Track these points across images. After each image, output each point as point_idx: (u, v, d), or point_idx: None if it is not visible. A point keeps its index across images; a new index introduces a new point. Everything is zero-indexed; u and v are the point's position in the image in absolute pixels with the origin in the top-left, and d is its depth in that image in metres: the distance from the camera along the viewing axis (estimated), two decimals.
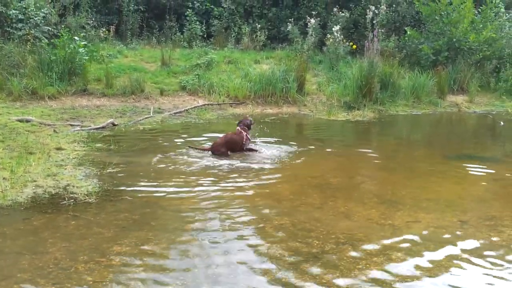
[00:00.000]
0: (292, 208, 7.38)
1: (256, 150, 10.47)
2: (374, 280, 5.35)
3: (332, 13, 21.28)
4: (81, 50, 15.69)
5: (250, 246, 6.14)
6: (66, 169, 8.84)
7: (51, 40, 16.24)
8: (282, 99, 16.16)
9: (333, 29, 19.19)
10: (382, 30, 19.95)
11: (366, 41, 16.88)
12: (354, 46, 19.40)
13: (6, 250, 5.89)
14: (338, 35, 19.02)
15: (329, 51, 19.19)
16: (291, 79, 16.30)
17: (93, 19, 20.03)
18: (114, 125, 12.65)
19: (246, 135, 10.38)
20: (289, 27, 20.22)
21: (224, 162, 9.67)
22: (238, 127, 10.49)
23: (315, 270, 5.50)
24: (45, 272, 5.36)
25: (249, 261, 5.72)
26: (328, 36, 19.43)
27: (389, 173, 9.73)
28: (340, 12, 20.96)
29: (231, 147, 10.25)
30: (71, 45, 15.45)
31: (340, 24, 19.92)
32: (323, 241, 6.25)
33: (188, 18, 21.12)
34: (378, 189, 8.62)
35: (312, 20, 19.67)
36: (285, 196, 7.95)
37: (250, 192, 8.04)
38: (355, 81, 16.29)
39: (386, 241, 6.29)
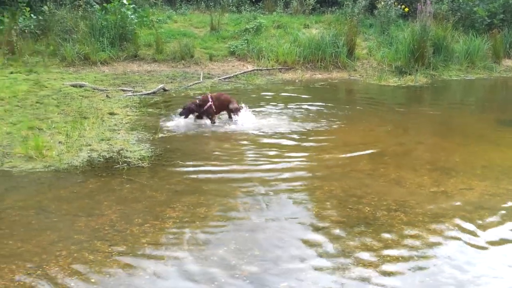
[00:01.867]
0: (342, 175, 7.36)
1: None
2: (427, 247, 5.32)
3: None
4: (130, 15, 15.81)
5: (300, 212, 6.18)
6: (119, 133, 9.02)
7: (102, 5, 16.39)
8: (331, 64, 15.96)
9: None
10: None
11: (418, 4, 16.41)
12: (406, 9, 18.92)
13: (63, 212, 6.09)
14: None
15: (380, 15, 18.75)
16: (340, 44, 16.05)
17: None
18: (165, 90, 12.77)
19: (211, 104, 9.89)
20: None
21: (275, 126, 9.66)
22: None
23: (366, 237, 5.49)
24: (101, 234, 5.53)
25: (299, 228, 5.76)
26: None
27: (441, 139, 9.56)
28: None
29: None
30: (121, 10, 15.57)
31: None
32: (374, 207, 6.23)
33: None
34: (430, 156, 8.48)
35: None
36: (335, 162, 7.92)
37: (300, 158, 8.04)
38: (407, 45, 15.90)
39: (439, 209, 6.23)
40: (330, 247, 5.29)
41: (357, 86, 14.53)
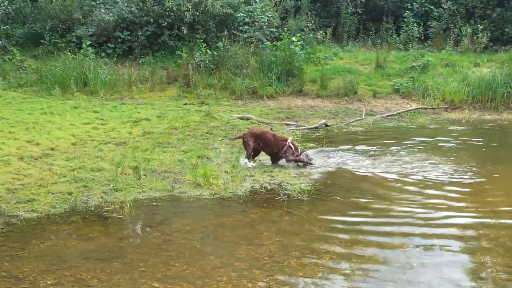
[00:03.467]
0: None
1: (305, 162, 9.33)
2: None
3: None
4: (298, 51, 16.31)
5: (461, 261, 5.94)
6: (281, 166, 9.31)
7: (273, 43, 17.11)
8: (502, 105, 15.19)
9: None
10: None
11: None
12: None
13: (225, 239, 6.41)
14: None
15: None
16: None
17: (312, 21, 20.62)
18: (327, 125, 12.95)
19: (289, 144, 9.34)
20: None
21: (437, 166, 9.39)
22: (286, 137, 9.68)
23: None
24: (260, 263, 5.75)
25: (460, 278, 5.55)
26: None
27: None
28: None
29: (262, 144, 9.51)
30: (290, 47, 16.13)
31: None
32: None
33: (405, 19, 20.77)
34: None
35: None
36: (501, 208, 7.52)
37: (462, 202, 7.74)
38: None
39: None
40: None
41: None
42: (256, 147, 9.52)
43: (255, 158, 9.61)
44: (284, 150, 9.35)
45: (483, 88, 15.37)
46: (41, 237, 6.35)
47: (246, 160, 9.38)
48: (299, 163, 9.33)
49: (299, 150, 9.47)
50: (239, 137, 9.83)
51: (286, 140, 9.44)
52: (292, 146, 9.37)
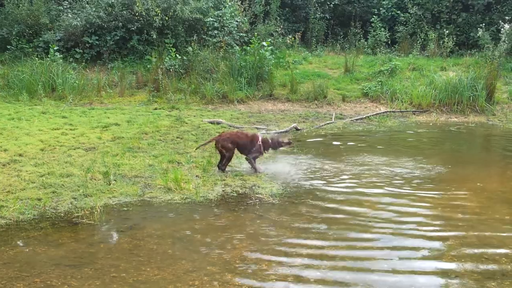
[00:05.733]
0: (478, 222, 7.10)
1: (255, 169, 9.24)
2: None
3: None
4: (268, 56, 16.40)
5: (430, 258, 6.04)
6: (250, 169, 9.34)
7: (243, 47, 17.17)
8: (468, 108, 15.48)
9: None
10: None
11: None
12: None
13: (197, 243, 6.40)
14: None
15: None
16: (479, 87, 15.54)
17: (281, 26, 20.77)
18: (297, 129, 13.04)
19: (261, 144, 9.22)
20: (480, 32, 19.28)
21: (406, 168, 9.53)
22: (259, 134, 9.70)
23: None
24: (232, 267, 5.75)
25: (430, 274, 5.64)
26: None
27: None
28: None
29: (238, 144, 9.25)
30: (260, 51, 16.20)
31: None
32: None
33: (373, 24, 21.05)
34: None
35: (506, 26, 18.54)
36: (471, 209, 7.66)
37: (433, 203, 7.86)
38: None
39: None
40: None
41: (495, 131, 13.93)
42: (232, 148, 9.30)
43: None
44: (254, 147, 9.20)
45: (449, 91, 15.64)
46: (10, 244, 6.25)
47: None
48: (280, 148, 9.50)
49: (269, 140, 9.41)
50: (211, 141, 9.56)
51: (257, 137, 9.33)
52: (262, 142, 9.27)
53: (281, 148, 9.56)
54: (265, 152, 9.38)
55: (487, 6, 20.70)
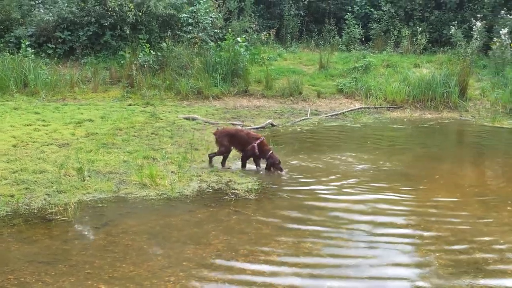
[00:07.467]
0: (452, 217, 7.18)
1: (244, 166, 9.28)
2: None
3: (499, 16, 20.17)
4: (243, 52, 16.38)
5: (404, 252, 6.10)
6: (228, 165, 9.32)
7: (217, 43, 17.12)
8: (442, 104, 15.63)
9: (500, 32, 18.15)
10: None
11: None
12: None
13: (173, 239, 6.37)
14: (506, 38, 17.97)
15: (495, 56, 18.20)
16: (452, 84, 15.71)
17: (255, 23, 20.74)
18: (272, 125, 13.05)
19: (256, 145, 9.09)
20: (452, 30, 19.49)
21: (379, 164, 9.60)
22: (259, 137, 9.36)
23: (476, 282, 5.33)
24: (208, 262, 5.73)
25: (403, 271, 5.68)
26: (495, 39, 18.43)
27: None
28: (508, 15, 19.79)
29: (236, 142, 9.27)
30: (235, 47, 16.17)
31: (508, 27, 18.81)
32: (485, 252, 6.04)
33: (347, 21, 21.15)
34: None
35: (478, 23, 18.77)
36: (444, 204, 7.74)
37: (407, 198, 7.94)
38: None
39: None
40: None
41: (468, 127, 14.11)
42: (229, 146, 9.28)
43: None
44: (249, 147, 9.12)
45: (423, 88, 15.77)
46: None
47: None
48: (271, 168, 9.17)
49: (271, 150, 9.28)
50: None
51: (254, 138, 9.23)
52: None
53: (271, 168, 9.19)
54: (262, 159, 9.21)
55: (459, 4, 20.93)
